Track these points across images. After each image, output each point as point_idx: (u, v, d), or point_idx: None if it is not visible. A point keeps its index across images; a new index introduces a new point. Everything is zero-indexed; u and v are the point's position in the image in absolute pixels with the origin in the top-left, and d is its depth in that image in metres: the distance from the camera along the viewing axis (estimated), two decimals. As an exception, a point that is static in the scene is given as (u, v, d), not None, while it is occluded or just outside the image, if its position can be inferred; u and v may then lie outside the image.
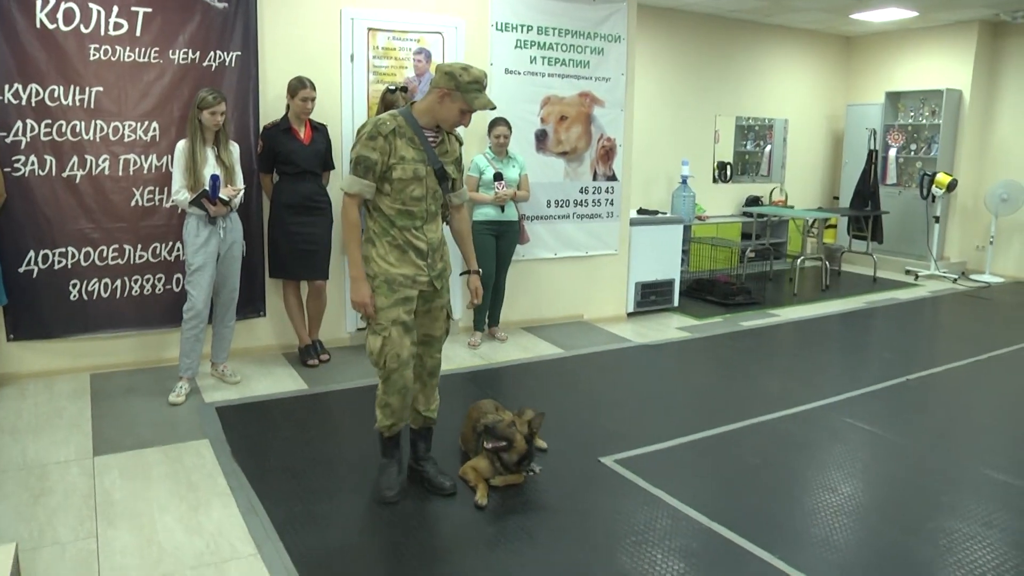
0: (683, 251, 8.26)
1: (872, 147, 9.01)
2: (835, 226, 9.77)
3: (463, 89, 3.04)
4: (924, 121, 9.25)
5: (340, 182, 4.18)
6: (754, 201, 9.25)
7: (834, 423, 4.35)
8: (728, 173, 9.37)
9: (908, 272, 8.97)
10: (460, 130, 3.62)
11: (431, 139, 3.18)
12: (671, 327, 6.49)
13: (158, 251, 4.82)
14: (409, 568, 2.83)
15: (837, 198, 10.05)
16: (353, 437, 4.00)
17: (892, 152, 9.44)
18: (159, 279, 4.86)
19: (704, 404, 4.65)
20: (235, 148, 4.56)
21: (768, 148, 9.72)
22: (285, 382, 4.81)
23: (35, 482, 3.43)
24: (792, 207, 9.42)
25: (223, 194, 4.32)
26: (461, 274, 3.57)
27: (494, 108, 3.21)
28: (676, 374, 5.33)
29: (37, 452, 3.73)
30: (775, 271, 8.84)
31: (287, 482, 3.48)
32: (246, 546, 2.95)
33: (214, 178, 4.27)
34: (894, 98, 9.45)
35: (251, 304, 5.17)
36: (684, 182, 8.30)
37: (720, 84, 8.99)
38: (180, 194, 4.31)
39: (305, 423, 4.19)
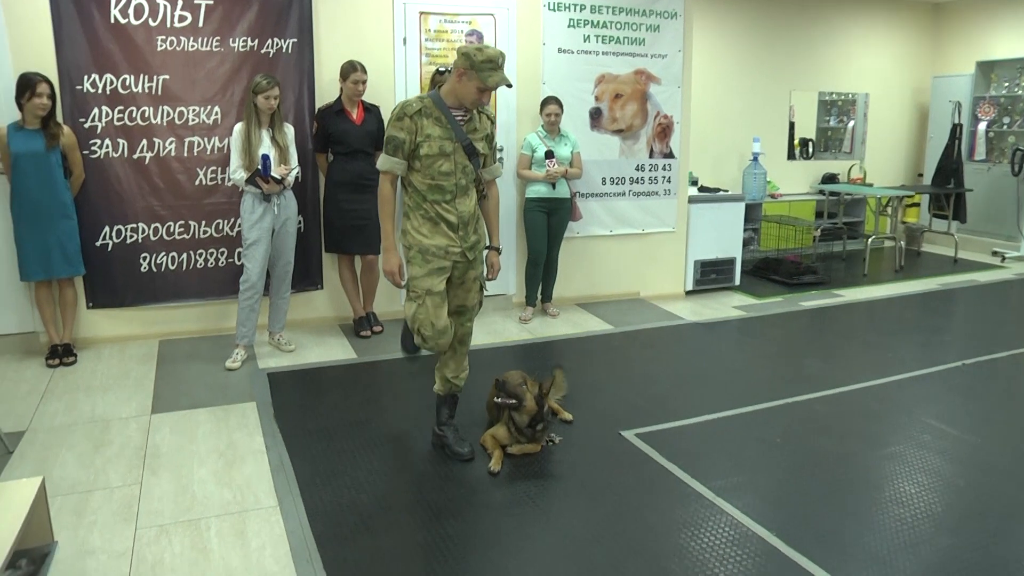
0: (753, 230, 8.22)
1: (956, 121, 8.60)
2: (918, 205, 9.39)
3: (477, 68, 3.18)
4: (1020, 92, 8.74)
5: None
6: (831, 179, 9.00)
7: (867, 406, 4.29)
8: (810, 150, 9.14)
9: (995, 254, 8.56)
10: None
11: (459, 117, 3.34)
12: (728, 306, 6.46)
13: (220, 227, 5.17)
14: (413, 524, 3.03)
15: (921, 175, 9.64)
16: (391, 403, 4.24)
17: (981, 126, 8.96)
18: (221, 253, 5.22)
19: (739, 383, 4.66)
20: (290, 130, 4.84)
21: (851, 124, 9.41)
22: (336, 351, 5.09)
23: (98, 434, 3.81)
24: (871, 185, 9.12)
25: (275, 173, 4.61)
26: (485, 248, 3.64)
27: (510, 86, 3.36)
28: (720, 352, 5.33)
29: (104, 408, 4.12)
30: (849, 251, 8.59)
31: (319, 442, 3.74)
32: (269, 499, 3.21)
33: (264, 158, 4.56)
34: (986, 68, 8.95)
35: (308, 277, 5.49)
36: (755, 159, 8.17)
37: (795, 58, 8.74)
38: (237, 173, 4.63)
39: (348, 390, 4.45)
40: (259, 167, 4.58)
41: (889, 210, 8.71)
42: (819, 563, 2.78)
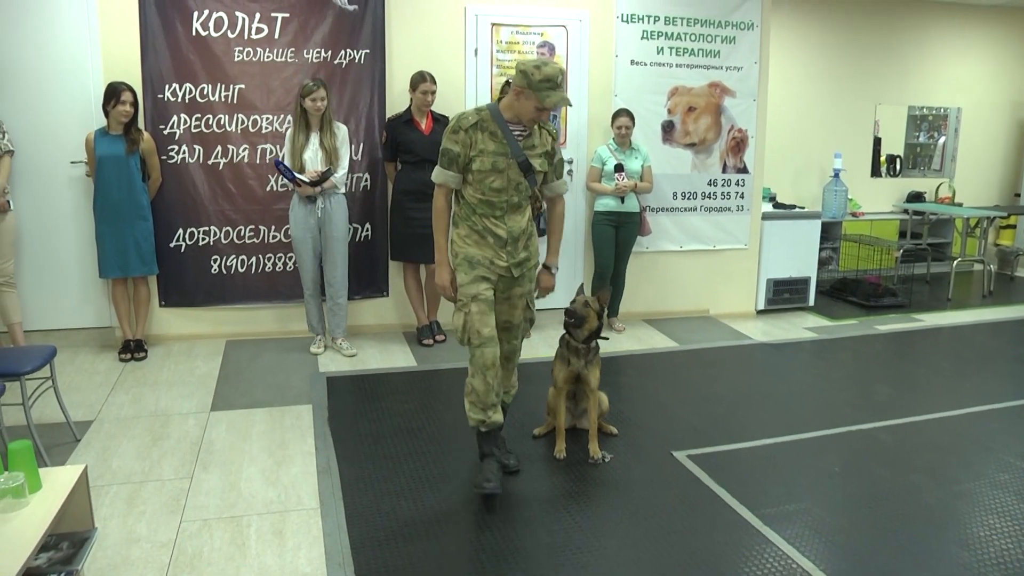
0: (832, 249, 7.95)
1: (1058, 139, 8.12)
2: (1013, 227, 8.89)
3: (535, 87, 3.09)
4: None
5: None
6: (916, 197, 8.62)
7: (938, 438, 4.06)
8: (897, 167, 8.79)
9: (1097, 280, 8.04)
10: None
11: (517, 133, 3.24)
12: (800, 327, 6.25)
13: (288, 232, 5.29)
14: (450, 534, 3.02)
15: (1018, 195, 9.13)
16: (444, 411, 4.25)
17: (1087, 145, 8.44)
18: (289, 257, 5.34)
19: (801, 407, 4.49)
20: (340, 130, 4.96)
21: (942, 139, 9.01)
22: (397, 358, 5.15)
23: (158, 428, 3.95)
24: (960, 204, 8.69)
25: (305, 176, 4.77)
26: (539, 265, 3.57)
27: (570, 105, 3.32)
28: (785, 375, 5.16)
29: (167, 403, 4.27)
30: (934, 274, 8.20)
31: (367, 447, 3.78)
32: (311, 500, 3.26)
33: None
34: (1094, 84, 8.44)
35: (374, 284, 5.58)
36: (836, 176, 7.90)
37: (882, 70, 8.41)
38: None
39: (404, 396, 4.49)
40: (280, 170, 4.77)
41: (979, 232, 8.28)
42: (866, 601, 2.64)
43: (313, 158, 4.83)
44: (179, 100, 5.00)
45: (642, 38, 5.93)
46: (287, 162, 4.79)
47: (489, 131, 3.20)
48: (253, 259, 5.31)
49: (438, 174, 3.28)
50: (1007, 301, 7.28)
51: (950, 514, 3.28)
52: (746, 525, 3.13)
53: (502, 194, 3.24)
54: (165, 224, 5.07)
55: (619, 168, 5.61)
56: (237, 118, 5.11)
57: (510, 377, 3.62)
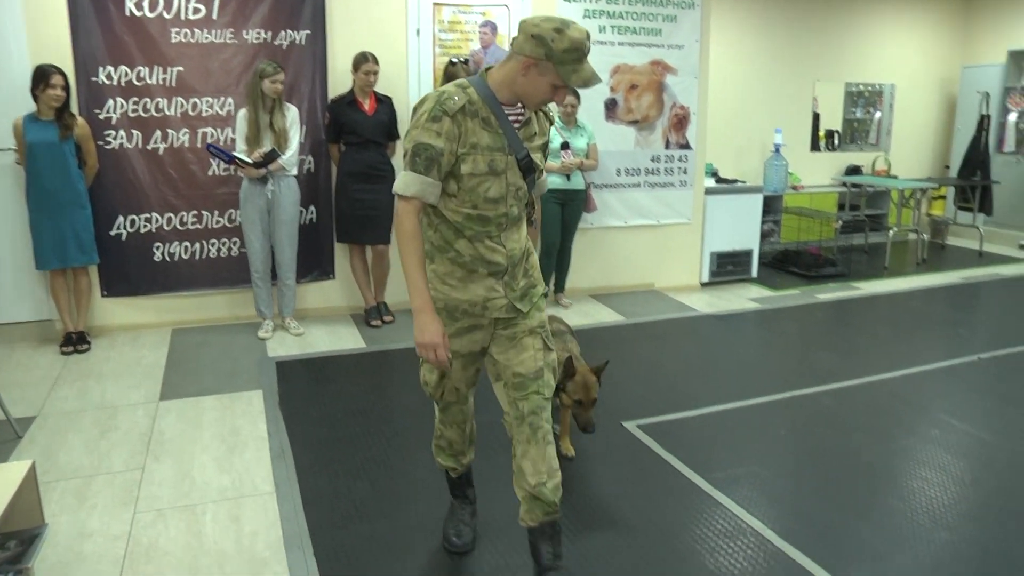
0: (774, 222, 8.12)
1: (984, 112, 8.41)
2: (944, 197, 9.20)
3: (557, 60, 2.13)
4: (1053, 82, 8.53)
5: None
6: (854, 171, 8.86)
7: (876, 400, 4.22)
8: (835, 141, 9.01)
9: (1021, 247, 8.37)
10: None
11: (513, 119, 2.31)
12: (744, 298, 6.40)
13: (232, 216, 5.22)
14: (407, 512, 3.04)
15: (948, 167, 9.44)
16: (395, 392, 4.27)
17: (1012, 117, 8.75)
18: (234, 243, 5.27)
19: (746, 375, 4.62)
20: (290, 112, 4.91)
21: (878, 115, 9.25)
22: (346, 340, 5.13)
23: (106, 420, 3.87)
24: (895, 177, 8.96)
25: (247, 157, 4.71)
26: None
27: (600, 82, 2.30)
28: (730, 344, 5.29)
29: (114, 395, 4.19)
30: (871, 244, 8.45)
31: (320, 429, 3.77)
32: (266, 485, 3.25)
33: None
34: (1018, 57, 8.73)
35: (320, 267, 5.55)
36: (777, 151, 8.06)
37: (819, 48, 8.59)
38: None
39: (355, 378, 4.48)
40: (232, 154, 4.72)
41: (913, 202, 8.56)
42: (812, 556, 2.75)
43: (265, 140, 4.79)
44: (115, 83, 4.86)
45: (584, 17, 5.96)
46: (239, 146, 4.73)
47: (481, 117, 2.25)
48: (197, 245, 5.22)
49: (409, 183, 2.23)
50: (939, 268, 7.55)
51: (887, 469, 3.43)
52: (696, 490, 3.22)
53: (499, 205, 2.32)
54: (104, 212, 4.94)
55: (565, 146, 5.64)
56: (176, 101, 4.99)
57: (544, 453, 2.40)
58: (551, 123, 2.49)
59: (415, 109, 2.28)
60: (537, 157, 2.39)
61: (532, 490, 2.38)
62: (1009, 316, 6.11)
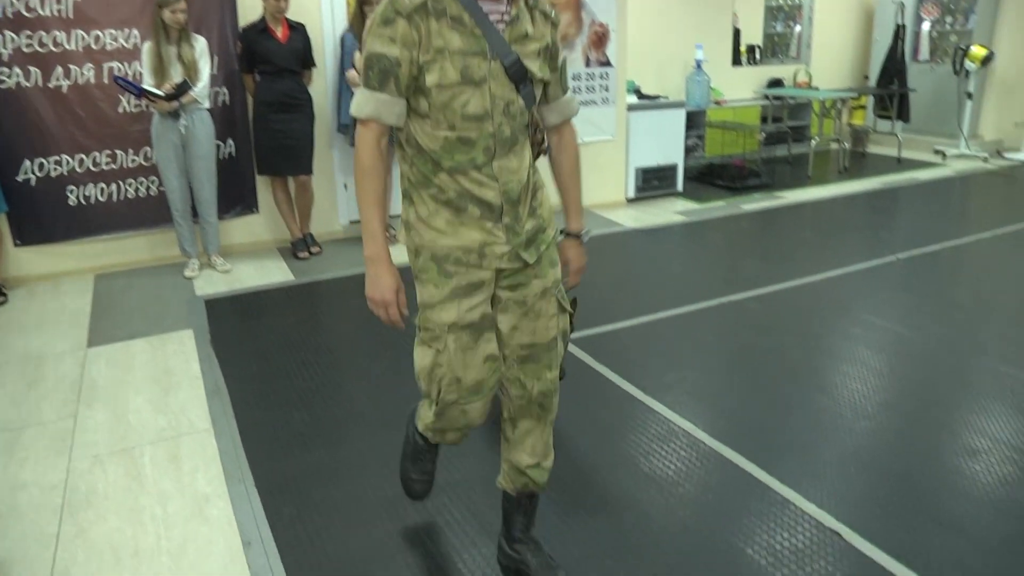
0: (698, 136, 8.20)
1: (899, 22, 8.55)
2: (864, 107, 9.40)
3: None
4: (962, -11, 8.70)
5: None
6: (776, 84, 8.96)
7: (800, 302, 4.38)
8: (757, 55, 9.06)
9: (937, 152, 8.65)
10: None
11: (494, 16, 1.88)
12: (670, 212, 6.49)
13: (149, 155, 5.01)
14: (346, 437, 3.07)
15: (867, 77, 9.62)
16: (327, 321, 4.26)
17: (925, 26, 8.93)
18: (152, 182, 5.09)
19: (675, 285, 4.72)
20: (198, 43, 4.70)
21: (797, 28, 9.32)
22: (274, 274, 5.06)
23: (32, 371, 3.76)
24: (816, 88, 9.10)
25: (158, 90, 4.49)
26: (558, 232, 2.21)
27: None
28: (658, 257, 5.39)
29: (38, 345, 4.06)
30: (795, 155, 8.62)
31: (254, 364, 3.74)
32: (203, 422, 3.22)
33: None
34: (930, -35, 8.88)
35: (243, 201, 5.42)
36: (698, 67, 8.08)
37: (737, -40, 8.57)
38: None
39: (285, 311, 4.45)
40: (143, 87, 4.50)
41: (834, 113, 8.73)
42: (742, 452, 2.87)
43: (173, 73, 4.57)
44: (1, 16, 4.56)
45: (500, -69, 5.79)
46: (147, 80, 4.51)
47: (450, 16, 1.83)
48: (113, 186, 5.01)
49: (363, 102, 1.85)
50: (860, 175, 7.77)
51: (811, 367, 3.59)
52: (630, 398, 3.32)
53: (484, 123, 1.89)
54: (9, 157, 4.69)
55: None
56: (76, 35, 4.71)
57: (543, 436, 2.18)
58: (553, 23, 2.00)
59: (375, 15, 1.88)
60: (534, 65, 1.93)
61: (524, 469, 2.17)
62: (925, 218, 6.35)
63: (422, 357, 2.02)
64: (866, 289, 4.58)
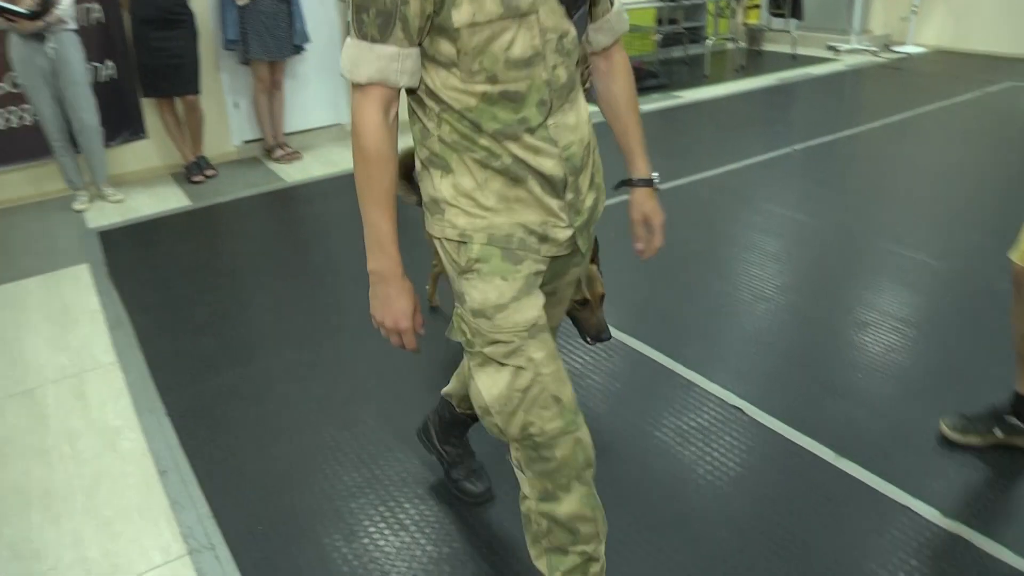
0: (596, 40, 8.13)
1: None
2: (758, 6, 9.47)
3: None
4: None
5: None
6: (670, -17, 8.91)
7: (701, 195, 4.49)
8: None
9: (829, 48, 8.83)
10: None
11: None
12: (575, 119, 6.47)
13: (16, 81, 4.68)
14: (257, 357, 3.03)
15: (761, -27, 9.68)
16: (228, 244, 4.18)
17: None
18: (25, 110, 4.75)
19: (583, 190, 4.75)
20: None
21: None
22: (169, 200, 4.88)
23: (-88, 320, 3.56)
24: (711, -14, 9.10)
25: (20, 7, 4.13)
26: (617, 186, 1.86)
27: None
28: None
29: (-84, 292, 3.84)
30: (691, 56, 8.67)
31: (157, 293, 3.64)
32: (107, 356, 3.12)
33: None
34: None
35: (129, 127, 5.14)
36: (595, -33, 7.95)
37: None
38: None
39: (184, 237, 4.33)
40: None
41: (729, 12, 8.78)
42: (648, 343, 2.98)
43: None
44: None
45: None
46: None
47: None
48: (-20, 118, 4.69)
49: (359, 58, 1.33)
50: (757, 73, 7.89)
51: (713, 255, 3.73)
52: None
53: (536, 68, 1.38)
54: None
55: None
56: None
57: None
58: None
59: None
60: None
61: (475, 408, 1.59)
62: (819, 111, 6.53)
63: (494, 383, 1.50)
64: (765, 180, 4.72)
